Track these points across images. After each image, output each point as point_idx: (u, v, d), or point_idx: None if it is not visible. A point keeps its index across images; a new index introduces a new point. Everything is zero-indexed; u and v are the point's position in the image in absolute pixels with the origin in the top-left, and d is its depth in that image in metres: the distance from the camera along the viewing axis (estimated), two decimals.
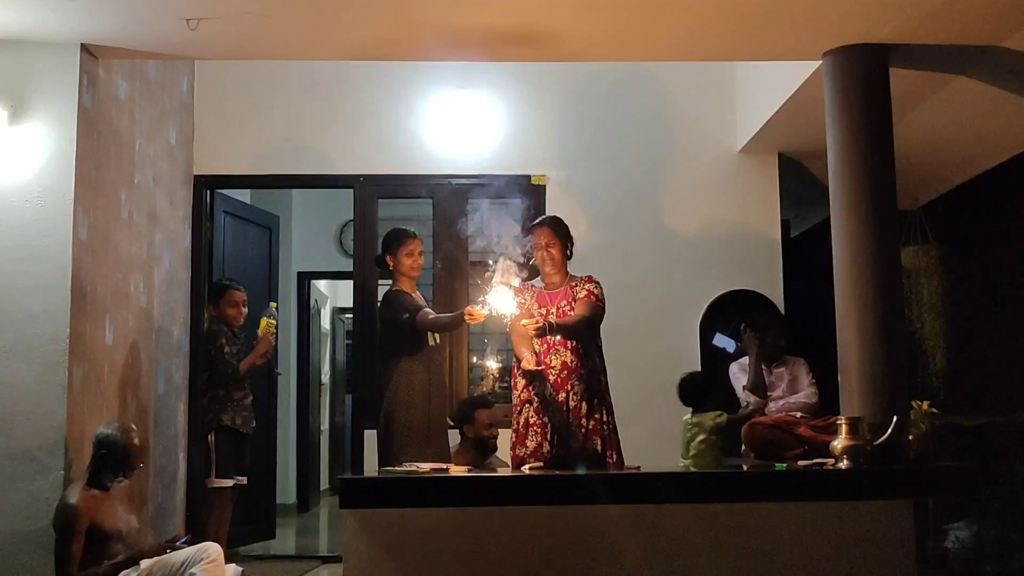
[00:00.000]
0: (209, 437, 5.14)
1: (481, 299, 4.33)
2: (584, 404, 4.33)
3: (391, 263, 4.83)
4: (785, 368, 5.43)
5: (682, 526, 3.70)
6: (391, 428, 4.67)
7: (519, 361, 4.38)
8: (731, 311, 5.90)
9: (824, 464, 3.91)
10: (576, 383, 4.34)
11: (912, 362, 5.47)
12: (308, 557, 6.30)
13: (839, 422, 3.90)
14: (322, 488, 10.05)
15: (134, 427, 4.12)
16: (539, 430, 4.33)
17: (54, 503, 4.02)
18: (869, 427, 3.91)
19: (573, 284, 4.52)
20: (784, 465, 4.04)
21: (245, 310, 5.36)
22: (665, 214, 6.21)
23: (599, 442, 4.32)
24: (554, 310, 4.42)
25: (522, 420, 4.39)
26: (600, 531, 3.69)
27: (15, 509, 4.14)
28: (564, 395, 4.32)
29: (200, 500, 5.60)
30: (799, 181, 6.58)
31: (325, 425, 10.40)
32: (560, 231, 4.53)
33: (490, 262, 4.40)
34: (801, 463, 4.07)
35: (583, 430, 4.31)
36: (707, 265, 6.15)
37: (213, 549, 3.99)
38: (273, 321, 5.30)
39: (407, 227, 4.99)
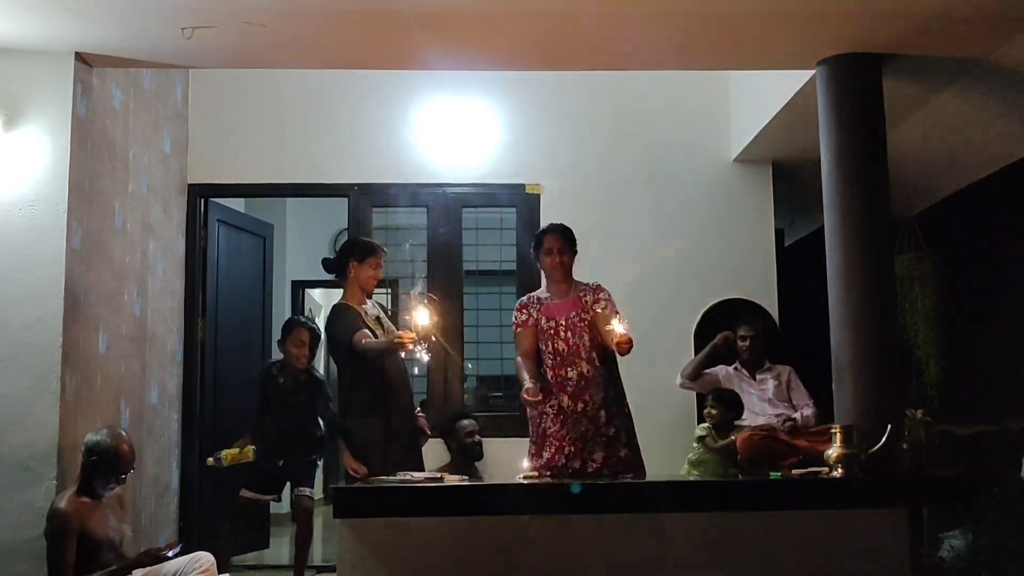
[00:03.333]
0: None
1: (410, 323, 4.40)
2: (603, 413, 4.31)
3: (353, 272, 4.78)
4: (770, 375, 5.43)
5: (676, 535, 3.69)
6: (349, 442, 4.64)
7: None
8: (726, 320, 5.90)
9: (818, 473, 3.90)
10: (594, 392, 4.32)
11: (906, 370, 5.48)
12: None
13: (833, 431, 3.90)
14: (316, 497, 10.00)
15: (124, 432, 4.10)
16: (556, 441, 4.30)
17: (47, 512, 4.00)
18: (863, 436, 3.91)
19: (581, 292, 4.49)
20: (778, 474, 4.04)
21: (308, 352, 5.24)
22: (659, 223, 6.22)
23: (624, 450, 4.30)
24: (563, 321, 4.40)
25: (540, 431, 4.36)
26: (594, 540, 3.68)
27: (8, 518, 4.13)
28: (583, 406, 4.30)
29: (196, 510, 5.69)
30: (793, 190, 6.60)
31: (319, 434, 10.34)
32: (570, 238, 4.53)
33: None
34: (795, 472, 4.06)
35: (604, 438, 4.29)
36: (701, 274, 6.15)
37: (205, 559, 3.97)
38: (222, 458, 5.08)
39: (404, 235, 4.99)
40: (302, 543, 5.16)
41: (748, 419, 5.25)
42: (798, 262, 6.56)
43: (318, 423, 5.28)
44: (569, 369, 4.35)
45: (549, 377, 4.39)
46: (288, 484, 5.27)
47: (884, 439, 3.83)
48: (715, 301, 6.12)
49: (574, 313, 4.42)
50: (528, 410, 4.44)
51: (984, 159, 5.59)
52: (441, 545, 3.67)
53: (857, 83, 4.46)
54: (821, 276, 4.53)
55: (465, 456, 5.56)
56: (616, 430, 4.32)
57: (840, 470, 3.79)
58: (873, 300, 4.32)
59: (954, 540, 5.07)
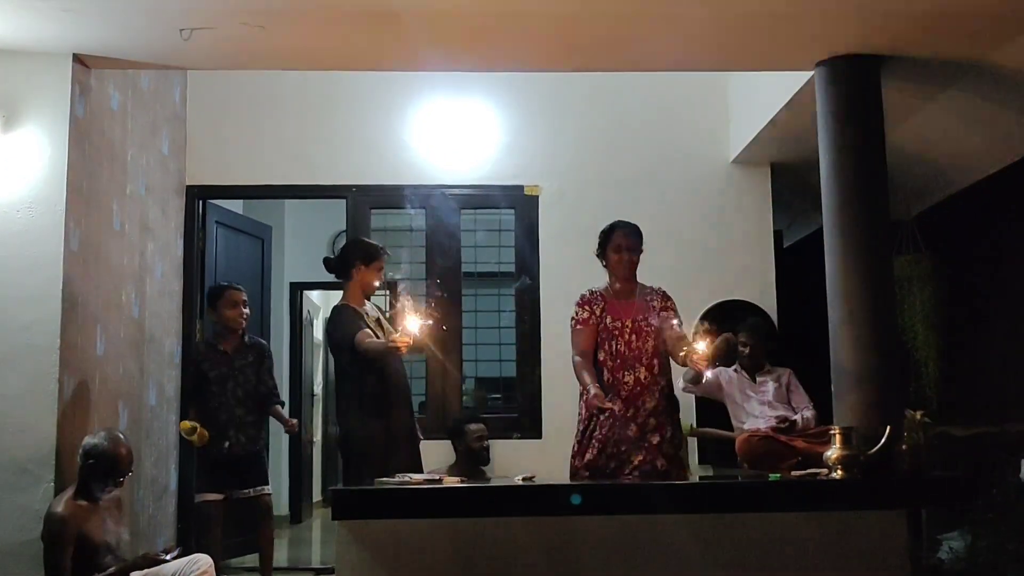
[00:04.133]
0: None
1: (400, 328, 4.38)
2: (652, 420, 4.23)
3: (357, 274, 4.75)
4: (770, 377, 5.43)
5: (674, 537, 3.69)
6: (350, 445, 4.62)
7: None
8: (725, 322, 5.89)
9: (818, 474, 3.90)
10: (648, 399, 4.23)
11: (905, 372, 5.47)
12: (300, 569, 6.28)
13: (833, 432, 3.90)
14: (315, 499, 10.00)
15: (122, 435, 4.10)
16: (599, 444, 4.24)
17: (44, 515, 3.99)
18: (862, 437, 3.91)
19: (648, 296, 4.39)
20: (778, 475, 4.04)
21: (247, 311, 5.31)
22: (658, 225, 6.14)
23: (661, 459, 4.22)
24: (629, 323, 4.30)
25: (587, 432, 4.28)
26: (592, 542, 3.67)
27: (5, 521, 4.12)
28: (634, 411, 4.21)
29: (191, 513, 5.62)
30: (792, 191, 6.60)
31: (318, 436, 10.35)
32: (639, 236, 4.40)
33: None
34: (795, 473, 4.06)
35: (648, 445, 4.21)
36: (700, 276, 6.14)
37: (203, 561, 3.97)
38: (196, 429, 5.07)
39: (401, 238, 4.97)
40: (266, 542, 5.22)
41: (748, 422, 5.26)
42: (797, 264, 6.56)
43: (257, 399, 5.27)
44: (627, 373, 4.24)
45: (606, 379, 4.26)
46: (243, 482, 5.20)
47: (883, 441, 3.83)
48: (714, 303, 6.11)
49: (641, 316, 4.31)
50: (580, 410, 4.35)
51: (983, 160, 5.60)
52: (440, 547, 3.66)
53: (856, 84, 4.46)
54: (820, 278, 4.53)
55: (472, 460, 5.51)
56: (661, 439, 4.22)
57: (839, 471, 3.79)
58: (872, 302, 4.32)
59: (953, 542, 5.07)
